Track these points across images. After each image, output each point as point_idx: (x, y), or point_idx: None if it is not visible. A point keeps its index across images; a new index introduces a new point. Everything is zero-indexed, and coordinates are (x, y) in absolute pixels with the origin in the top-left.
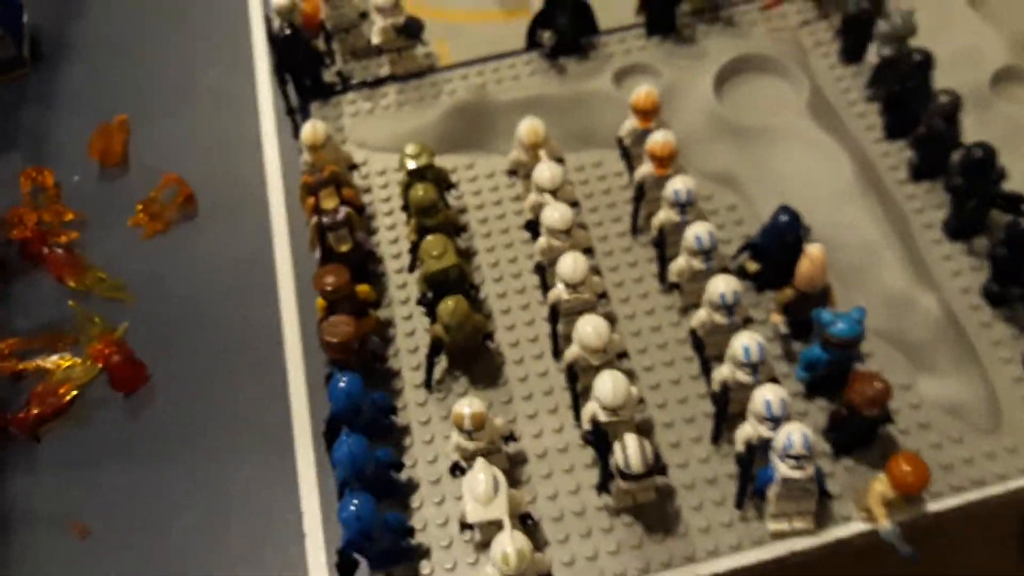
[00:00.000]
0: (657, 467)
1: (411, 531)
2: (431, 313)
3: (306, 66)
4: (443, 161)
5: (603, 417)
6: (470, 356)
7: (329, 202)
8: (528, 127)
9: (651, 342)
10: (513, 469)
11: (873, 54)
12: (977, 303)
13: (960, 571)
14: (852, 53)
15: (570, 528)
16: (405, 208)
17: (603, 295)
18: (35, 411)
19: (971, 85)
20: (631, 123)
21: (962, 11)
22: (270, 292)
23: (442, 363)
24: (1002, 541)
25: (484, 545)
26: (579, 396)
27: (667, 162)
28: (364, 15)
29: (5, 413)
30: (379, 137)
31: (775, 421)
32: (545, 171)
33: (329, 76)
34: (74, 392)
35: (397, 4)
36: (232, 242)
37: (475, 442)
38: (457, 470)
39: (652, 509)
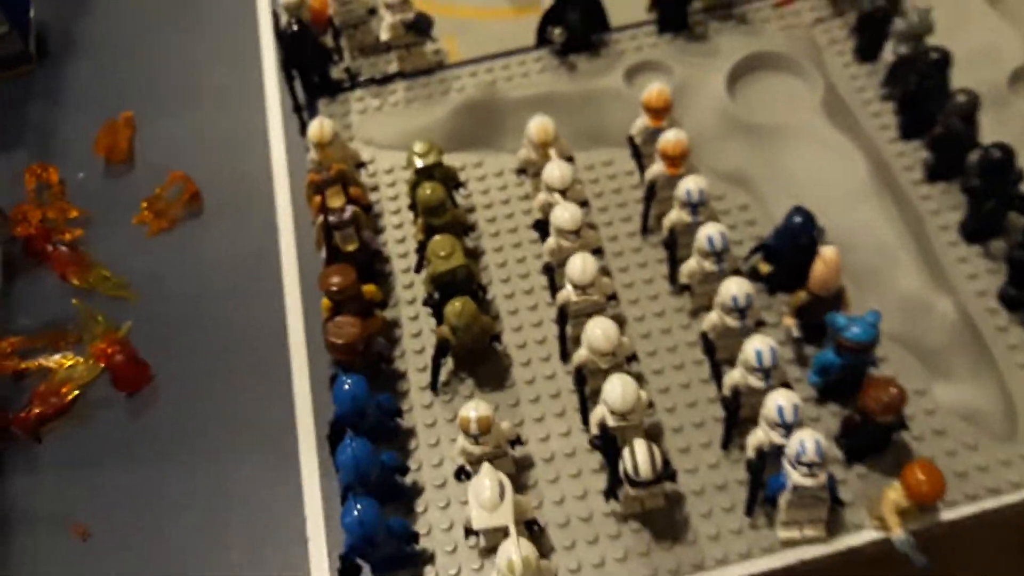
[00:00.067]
0: (666, 473)
1: (415, 536)
2: (438, 314)
3: (314, 62)
4: (451, 159)
5: (612, 422)
6: (477, 358)
7: (335, 201)
8: (538, 125)
9: (661, 345)
10: (519, 473)
11: (889, 52)
12: (994, 307)
13: None
14: (867, 51)
15: (577, 534)
16: (412, 207)
17: (613, 297)
18: (37, 411)
19: (989, 84)
20: (642, 121)
21: (980, 9)
22: (275, 291)
23: (448, 365)
24: (1018, 551)
25: (489, 551)
26: (587, 400)
27: (679, 161)
28: (373, 11)
29: (7, 412)
30: (387, 135)
31: (787, 427)
32: (555, 170)
33: (337, 73)
34: (76, 392)
35: (406, 0)
36: (238, 240)
37: (481, 446)
38: (463, 474)
39: (660, 515)
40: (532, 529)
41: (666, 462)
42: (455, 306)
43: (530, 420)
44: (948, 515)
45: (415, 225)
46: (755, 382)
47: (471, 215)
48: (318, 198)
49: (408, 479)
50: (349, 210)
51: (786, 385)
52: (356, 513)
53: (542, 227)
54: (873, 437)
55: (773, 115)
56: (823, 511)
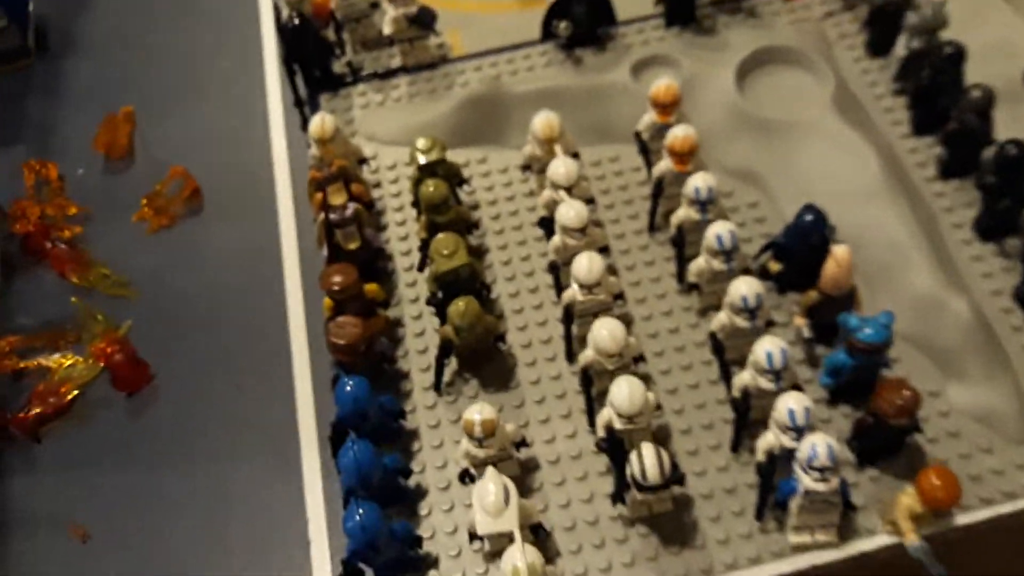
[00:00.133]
0: (674, 477)
1: (418, 541)
2: (441, 314)
3: (315, 57)
4: (455, 155)
5: (619, 424)
6: (481, 358)
7: (337, 198)
8: (543, 121)
9: (669, 345)
10: (524, 476)
11: (901, 47)
12: (1009, 306)
13: None
14: (879, 45)
15: (583, 538)
16: (415, 204)
17: (619, 296)
18: (36, 410)
19: (1004, 79)
20: (650, 117)
21: (994, 3)
22: (277, 290)
23: (452, 365)
24: None
25: (494, 555)
26: (593, 401)
27: (687, 158)
28: (375, 5)
29: (5, 412)
30: (390, 130)
31: (798, 431)
32: (560, 167)
33: (339, 67)
34: (75, 391)
35: None
36: (238, 238)
37: (485, 449)
38: (467, 477)
39: (668, 519)
40: (538, 533)
41: (674, 465)
42: (459, 305)
43: (535, 422)
44: (962, 519)
45: (418, 223)
46: (765, 384)
47: (475, 212)
48: (319, 195)
49: (411, 482)
50: (351, 207)
51: (797, 387)
52: (358, 518)
53: (547, 225)
54: (886, 440)
55: (783, 111)
56: (835, 516)
